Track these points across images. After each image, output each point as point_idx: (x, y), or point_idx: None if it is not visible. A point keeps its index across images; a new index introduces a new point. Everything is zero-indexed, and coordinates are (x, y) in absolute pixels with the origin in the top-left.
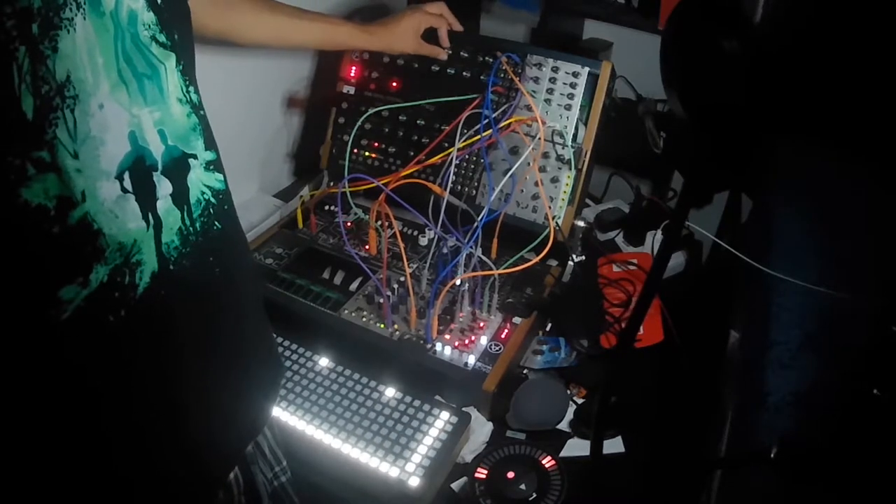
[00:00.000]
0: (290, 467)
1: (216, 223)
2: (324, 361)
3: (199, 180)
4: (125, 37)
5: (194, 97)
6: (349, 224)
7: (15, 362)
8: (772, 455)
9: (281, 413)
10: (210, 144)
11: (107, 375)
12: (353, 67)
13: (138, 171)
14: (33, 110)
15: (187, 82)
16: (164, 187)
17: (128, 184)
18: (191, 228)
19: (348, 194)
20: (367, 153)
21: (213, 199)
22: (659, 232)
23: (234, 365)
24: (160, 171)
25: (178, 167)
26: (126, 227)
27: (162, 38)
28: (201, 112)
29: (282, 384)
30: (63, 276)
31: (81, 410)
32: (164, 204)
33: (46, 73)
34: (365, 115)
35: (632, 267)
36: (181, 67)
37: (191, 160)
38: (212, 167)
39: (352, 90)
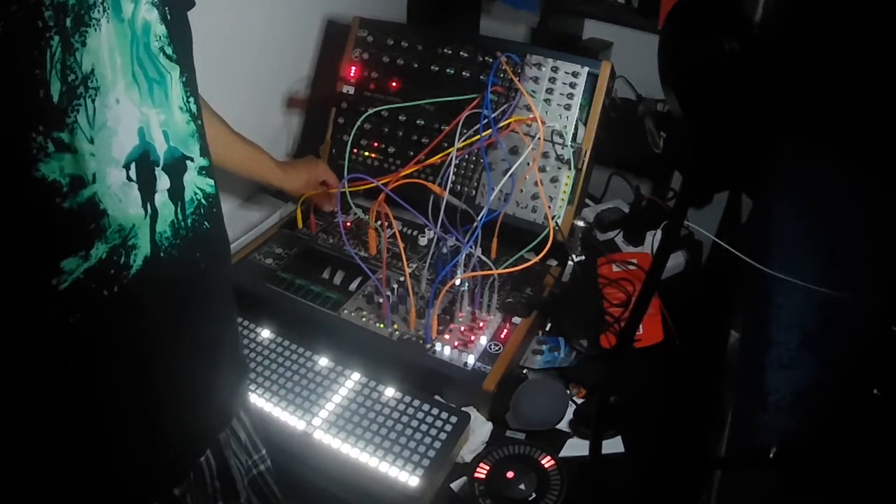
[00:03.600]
0: (291, 467)
1: (205, 223)
2: (323, 361)
3: (193, 182)
4: (139, 43)
5: (193, 107)
6: (349, 224)
7: (10, 325)
8: (772, 455)
9: (281, 413)
10: (205, 152)
11: (93, 349)
12: (353, 67)
13: (143, 163)
14: (59, 95)
15: (188, 93)
16: (162, 182)
17: (133, 173)
18: (182, 223)
19: (348, 194)
20: (366, 153)
21: (203, 201)
22: (659, 232)
23: (204, 355)
24: (161, 168)
25: (176, 166)
26: (127, 212)
27: (169, 50)
28: (199, 121)
29: (248, 386)
30: (67, 247)
31: (62, 382)
32: (161, 197)
33: (74, 64)
34: (365, 115)
35: (631, 267)
36: (184, 79)
37: (188, 162)
38: (204, 172)
39: (352, 90)
